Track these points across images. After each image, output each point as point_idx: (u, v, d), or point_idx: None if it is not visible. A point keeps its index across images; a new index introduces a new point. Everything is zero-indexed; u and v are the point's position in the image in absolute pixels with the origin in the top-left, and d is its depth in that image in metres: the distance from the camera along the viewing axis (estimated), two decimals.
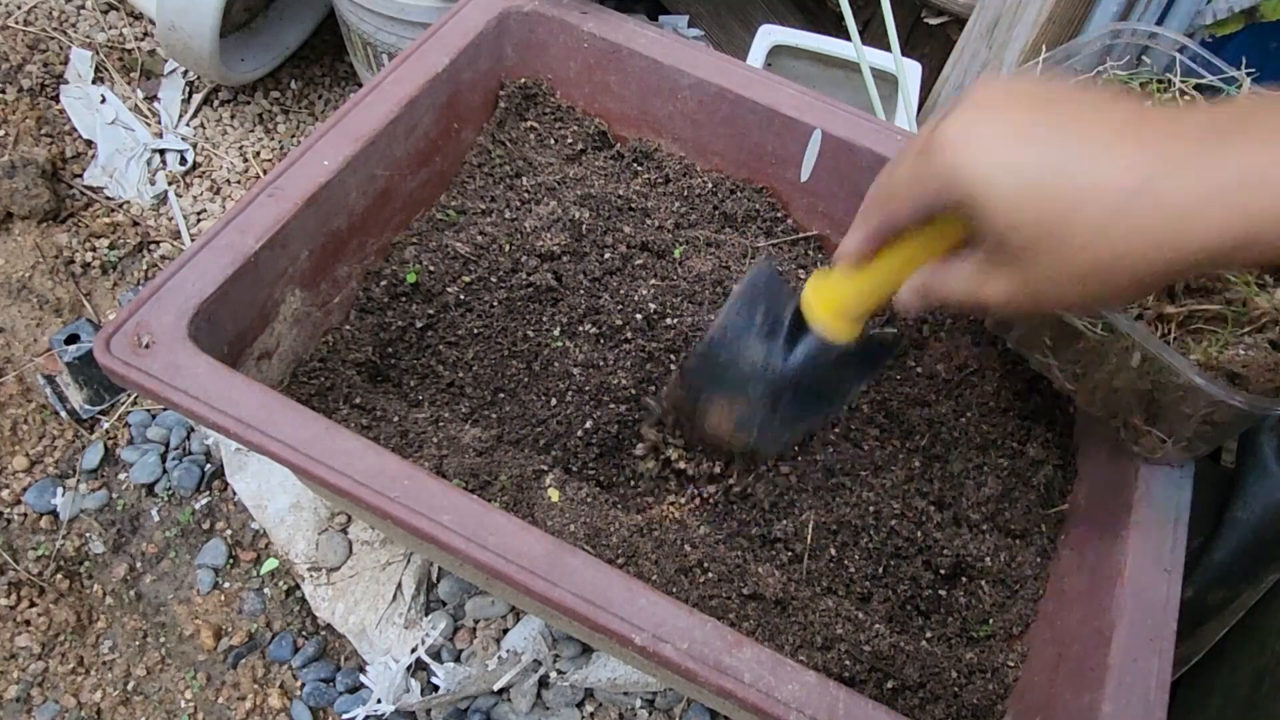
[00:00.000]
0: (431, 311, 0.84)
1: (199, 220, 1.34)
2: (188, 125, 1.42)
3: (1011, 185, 0.43)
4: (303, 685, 1.02)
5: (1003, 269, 0.47)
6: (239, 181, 1.38)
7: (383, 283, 0.84)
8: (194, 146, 1.40)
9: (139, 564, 1.09)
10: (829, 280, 0.63)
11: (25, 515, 1.10)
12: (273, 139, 1.43)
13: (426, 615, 0.99)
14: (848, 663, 0.69)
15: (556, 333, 0.82)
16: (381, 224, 0.85)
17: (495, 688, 0.96)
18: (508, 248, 0.85)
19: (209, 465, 1.14)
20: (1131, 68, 0.78)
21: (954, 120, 0.46)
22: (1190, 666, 0.89)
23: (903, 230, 0.54)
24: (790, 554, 0.77)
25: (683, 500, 0.80)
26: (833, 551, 0.77)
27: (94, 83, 1.42)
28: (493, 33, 0.91)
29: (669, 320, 0.82)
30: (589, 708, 0.99)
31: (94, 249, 1.28)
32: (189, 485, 1.12)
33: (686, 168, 0.96)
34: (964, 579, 0.78)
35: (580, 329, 0.82)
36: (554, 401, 0.80)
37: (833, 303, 0.63)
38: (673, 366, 0.81)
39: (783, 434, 0.73)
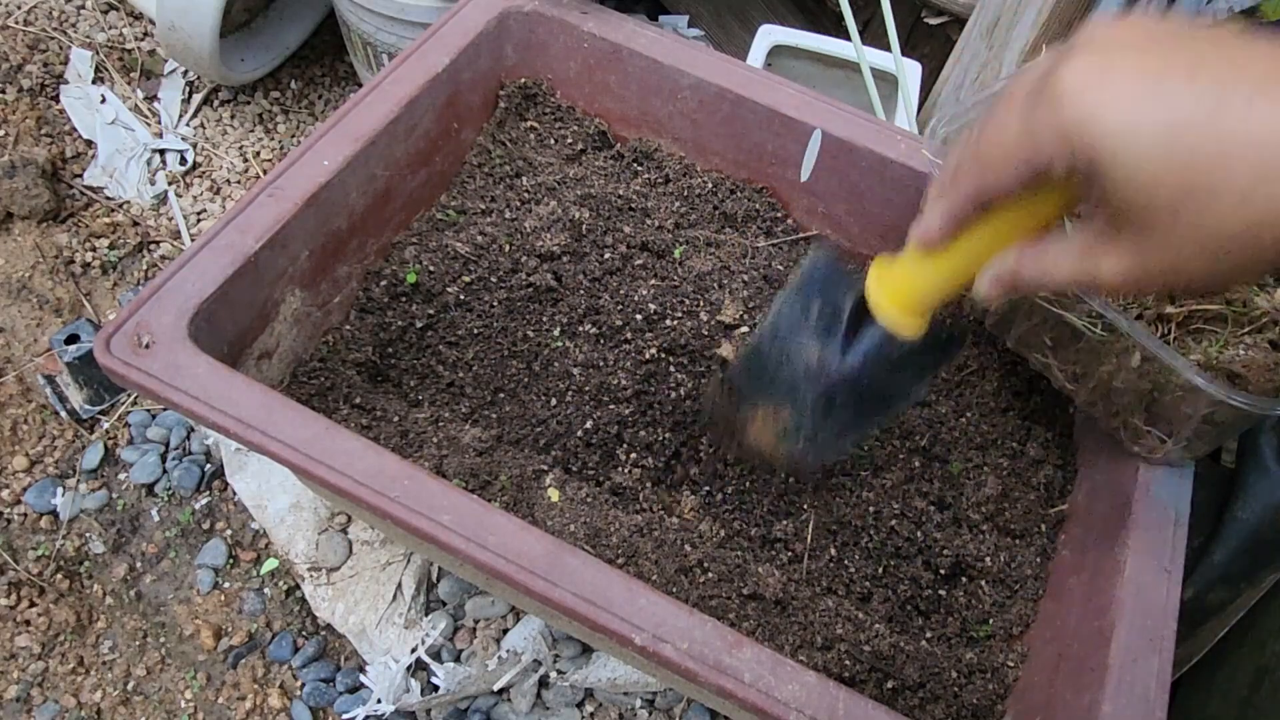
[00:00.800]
0: (431, 311, 0.84)
1: (199, 220, 1.34)
2: (188, 125, 1.42)
3: (1151, 139, 0.37)
4: (303, 685, 1.02)
5: (1126, 241, 0.41)
6: (239, 181, 1.38)
7: (383, 283, 0.84)
8: (194, 146, 1.40)
9: (139, 564, 1.09)
10: (897, 267, 0.55)
11: (25, 515, 1.10)
12: (273, 139, 1.43)
13: (426, 615, 0.99)
14: (848, 663, 0.69)
15: (556, 333, 0.82)
16: (381, 224, 0.85)
17: (495, 688, 0.96)
18: (508, 248, 0.85)
19: (209, 465, 1.14)
20: None
21: (1075, 66, 0.39)
22: (1190, 666, 0.89)
23: (999, 201, 0.46)
24: (790, 554, 0.77)
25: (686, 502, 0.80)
26: (833, 551, 0.77)
27: (94, 83, 1.42)
28: (493, 33, 0.91)
29: (669, 320, 0.82)
30: (589, 708, 0.99)
31: (94, 249, 1.28)
32: (189, 485, 1.12)
33: (686, 168, 0.96)
34: (964, 579, 0.78)
35: (580, 329, 0.82)
36: (554, 401, 0.80)
37: (902, 293, 0.56)
38: (672, 368, 0.80)
39: (835, 443, 0.66)
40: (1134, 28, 0.40)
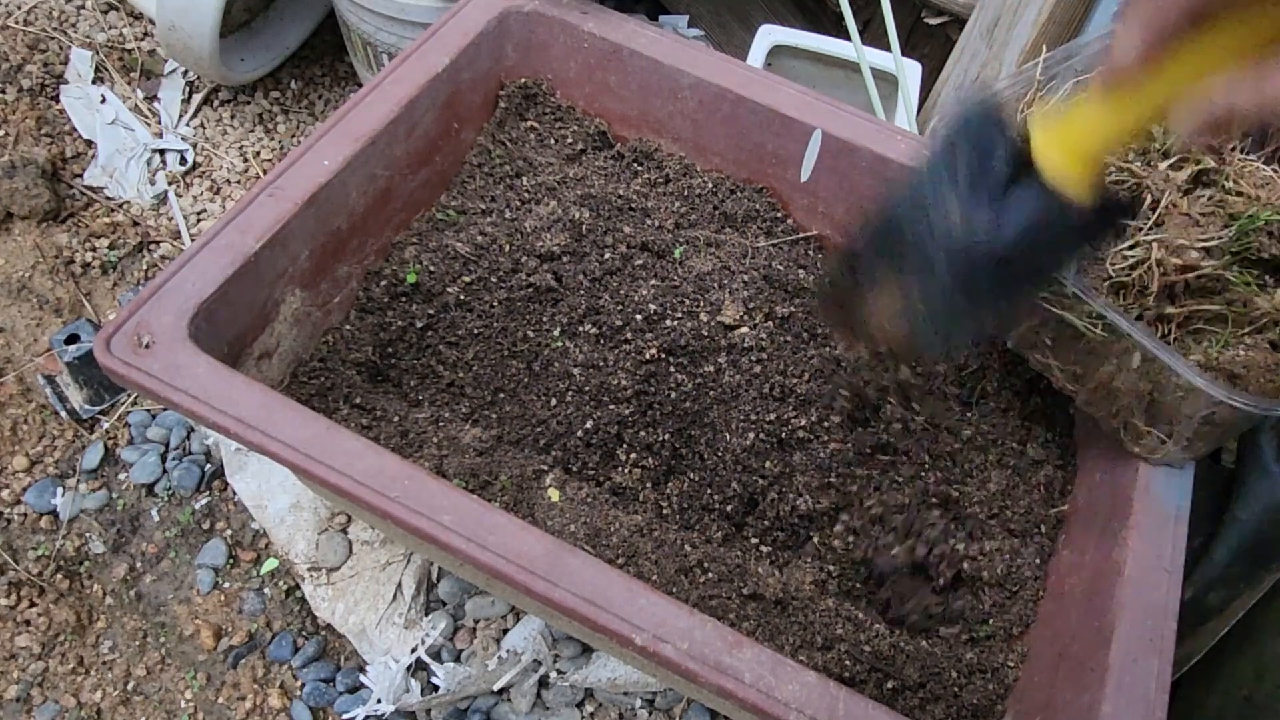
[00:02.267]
0: (431, 311, 0.84)
1: (199, 220, 1.34)
2: (188, 125, 1.42)
3: None
4: (303, 685, 1.02)
5: None
6: (239, 181, 1.38)
7: (383, 283, 0.84)
8: (194, 146, 1.40)
9: (139, 564, 1.09)
10: (1071, 111, 0.47)
11: (25, 515, 1.10)
12: (273, 139, 1.43)
13: (426, 615, 0.99)
14: (848, 663, 0.69)
15: (556, 333, 0.82)
16: (381, 224, 0.85)
17: (495, 688, 0.96)
18: (508, 248, 0.85)
19: (209, 465, 1.14)
20: None
21: None
22: (1190, 666, 0.89)
23: (1212, 16, 0.38)
24: (789, 553, 0.77)
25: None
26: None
27: (94, 83, 1.42)
28: (493, 33, 0.91)
29: (669, 320, 0.82)
30: (589, 708, 0.99)
31: (94, 249, 1.28)
32: (189, 485, 1.12)
33: (686, 168, 0.96)
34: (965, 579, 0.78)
35: (580, 329, 0.82)
36: (554, 402, 0.80)
37: (1078, 139, 0.46)
38: (672, 368, 0.80)
39: (967, 325, 0.57)
40: None
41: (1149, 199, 0.70)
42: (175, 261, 0.69)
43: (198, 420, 0.64)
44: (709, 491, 0.78)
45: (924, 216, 0.53)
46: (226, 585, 1.08)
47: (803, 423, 0.77)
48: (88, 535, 1.10)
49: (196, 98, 1.44)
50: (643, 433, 0.79)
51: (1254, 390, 0.64)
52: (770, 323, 0.84)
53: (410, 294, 0.84)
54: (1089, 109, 0.45)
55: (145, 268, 1.29)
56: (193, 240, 1.25)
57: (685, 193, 0.94)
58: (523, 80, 0.96)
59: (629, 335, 0.81)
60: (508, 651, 0.95)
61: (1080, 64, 0.78)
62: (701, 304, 0.85)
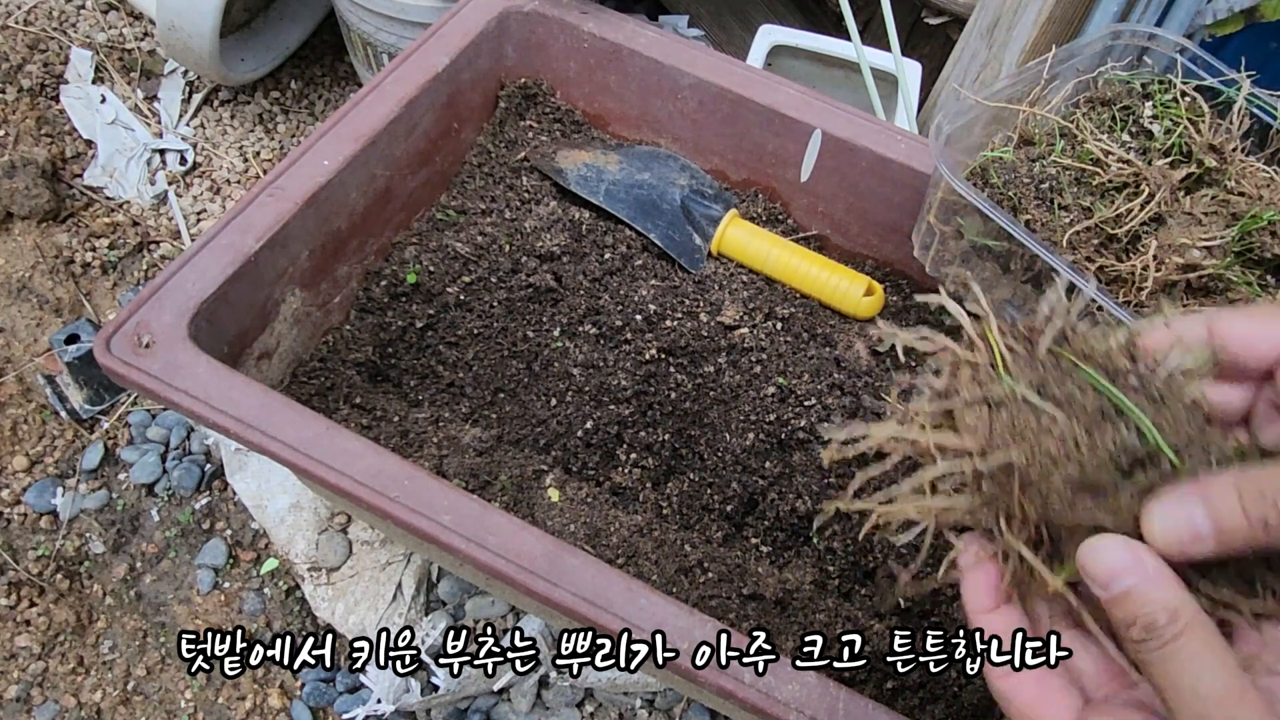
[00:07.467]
0: (431, 311, 0.84)
1: (199, 220, 1.34)
2: (188, 125, 1.42)
3: None
4: (303, 685, 1.02)
5: None
6: (239, 181, 1.38)
7: (383, 283, 0.84)
8: (194, 146, 1.40)
9: (139, 564, 1.09)
10: None
11: (25, 515, 1.10)
12: (273, 139, 1.43)
13: (426, 615, 0.99)
14: (846, 662, 0.69)
15: (556, 333, 0.82)
16: (381, 224, 0.85)
17: (495, 688, 0.96)
18: (508, 248, 0.85)
19: (209, 465, 1.14)
20: (1131, 68, 0.78)
21: None
22: None
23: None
24: (789, 553, 0.77)
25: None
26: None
27: (94, 83, 1.42)
28: (493, 33, 0.91)
29: (669, 321, 0.82)
30: (589, 708, 0.99)
31: (94, 249, 1.28)
32: (189, 485, 1.12)
33: None
34: None
35: (580, 329, 0.82)
36: (554, 402, 0.80)
37: None
38: (672, 368, 0.80)
39: None
40: None
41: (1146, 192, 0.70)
42: (175, 261, 0.69)
43: (198, 420, 0.64)
44: (709, 492, 0.78)
45: None
46: (226, 585, 1.08)
47: (803, 423, 0.76)
48: (88, 535, 1.10)
49: (196, 98, 1.44)
50: (643, 433, 0.79)
51: None
52: (770, 323, 0.84)
53: (410, 294, 0.84)
54: None
55: (145, 268, 1.29)
56: (193, 240, 1.25)
57: None
58: (523, 80, 0.96)
59: (629, 335, 0.81)
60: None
61: (1080, 64, 0.78)
62: (701, 304, 0.85)
